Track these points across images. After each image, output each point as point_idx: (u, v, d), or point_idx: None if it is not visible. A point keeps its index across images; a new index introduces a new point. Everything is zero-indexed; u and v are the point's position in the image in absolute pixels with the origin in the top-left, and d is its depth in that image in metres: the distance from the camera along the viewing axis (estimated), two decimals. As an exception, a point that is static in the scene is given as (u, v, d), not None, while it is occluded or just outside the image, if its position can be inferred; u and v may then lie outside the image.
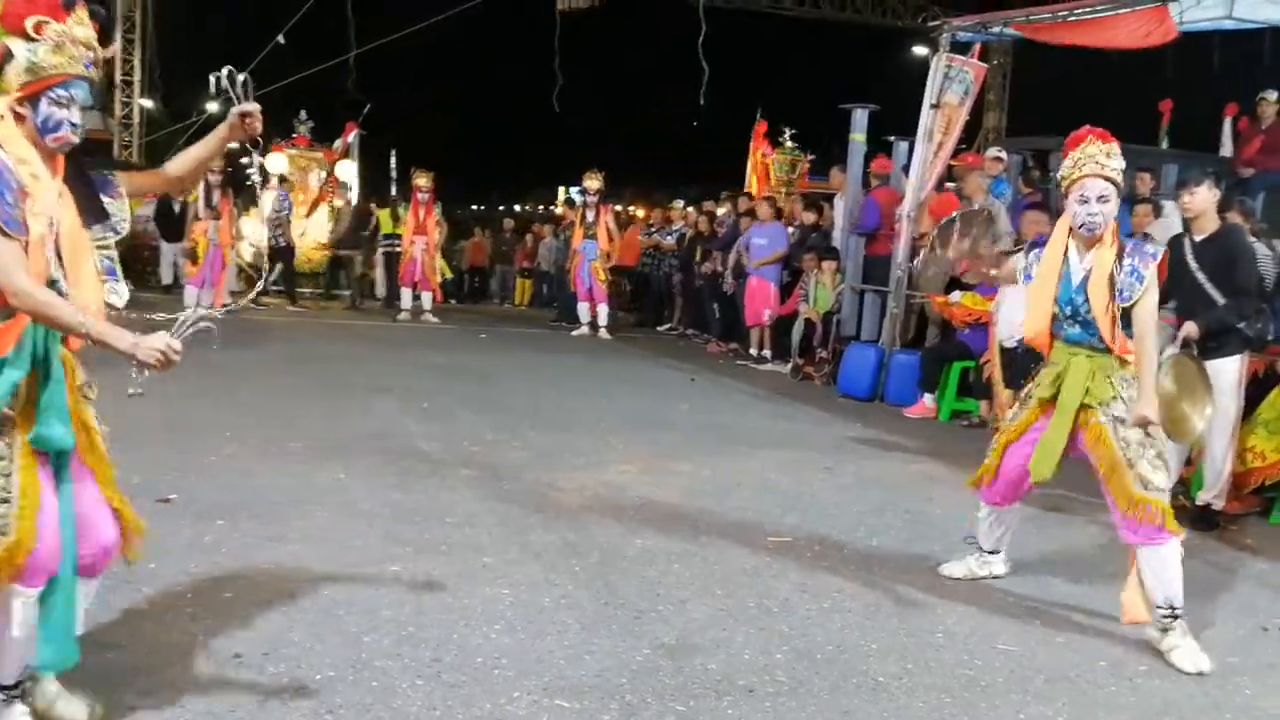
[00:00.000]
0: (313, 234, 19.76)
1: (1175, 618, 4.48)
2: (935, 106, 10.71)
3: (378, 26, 20.76)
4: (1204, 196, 6.29)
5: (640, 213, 23.51)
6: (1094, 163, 4.53)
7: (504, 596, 4.69)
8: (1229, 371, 6.47)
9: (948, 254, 5.47)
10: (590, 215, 15.23)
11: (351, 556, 5.07)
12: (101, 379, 3.37)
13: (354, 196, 20.43)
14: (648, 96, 40.79)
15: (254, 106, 3.40)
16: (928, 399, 10.18)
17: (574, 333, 15.52)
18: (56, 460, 3.14)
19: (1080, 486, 5.21)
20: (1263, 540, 6.44)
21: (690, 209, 17.53)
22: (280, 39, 19.21)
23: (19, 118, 3.07)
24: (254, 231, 18.80)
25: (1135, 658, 4.46)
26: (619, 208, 21.40)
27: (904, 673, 4.17)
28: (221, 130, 3.44)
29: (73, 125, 3.09)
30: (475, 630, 4.29)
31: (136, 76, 23.10)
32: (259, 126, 3.43)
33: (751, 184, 16.37)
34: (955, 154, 11.75)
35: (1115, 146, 4.59)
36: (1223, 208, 6.64)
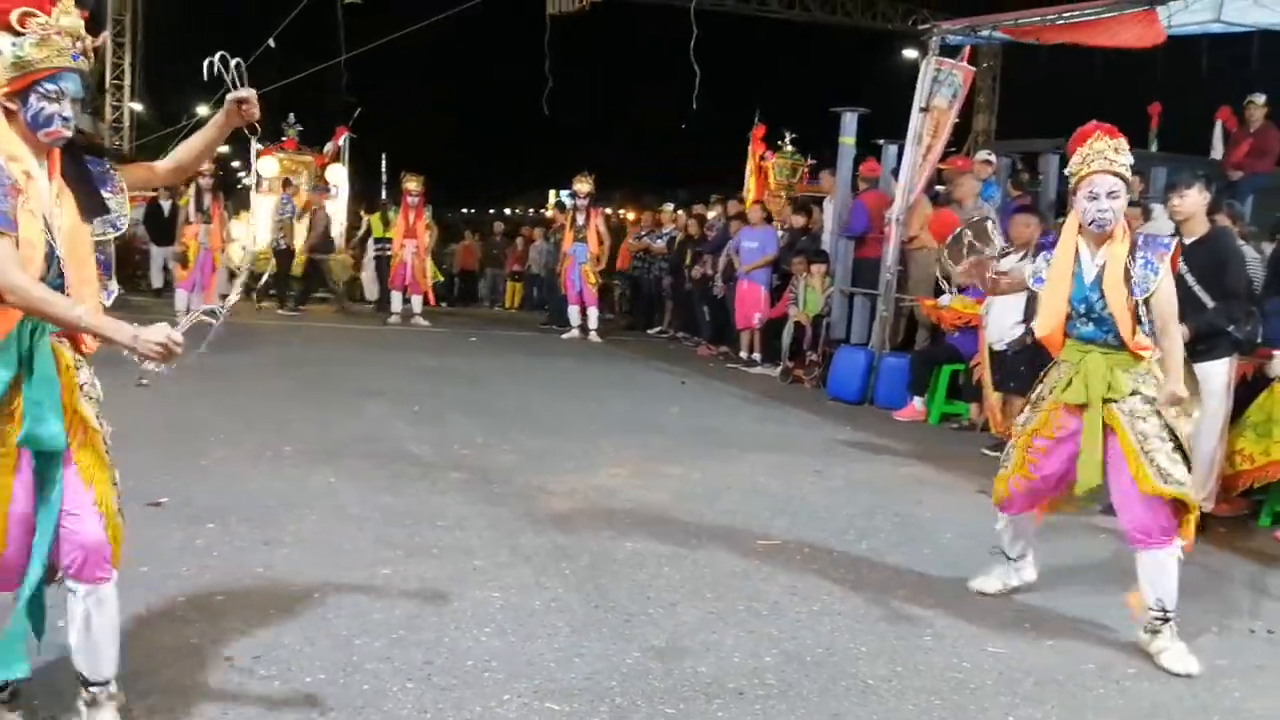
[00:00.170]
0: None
1: (1166, 620, 4.49)
2: (925, 110, 10.73)
3: (369, 30, 20.77)
4: (1194, 199, 6.31)
5: (630, 216, 23.49)
6: (1103, 158, 4.51)
7: (494, 599, 4.69)
8: (1218, 374, 6.49)
9: (957, 269, 5.45)
10: (580, 218, 15.25)
11: (342, 560, 5.08)
12: (99, 378, 3.34)
13: (343, 200, 20.43)
14: (638, 99, 40.80)
15: (249, 92, 3.32)
16: (917, 402, 10.20)
17: (564, 336, 15.53)
18: (47, 460, 3.08)
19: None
20: (1251, 543, 6.46)
21: (680, 212, 17.55)
22: (270, 43, 19.19)
23: (9, 114, 3.03)
24: (245, 234, 18.84)
25: (1124, 660, 4.47)
26: (609, 211, 21.39)
27: (893, 675, 4.18)
28: (219, 117, 3.37)
29: (64, 119, 3.04)
30: (466, 633, 4.30)
31: (127, 80, 23.08)
32: (256, 112, 3.35)
33: (750, 188, 16.39)
34: (944, 157, 11.79)
35: (1123, 142, 4.56)
36: (1211, 210, 6.66)
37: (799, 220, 13.83)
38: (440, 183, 23.72)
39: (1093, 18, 9.66)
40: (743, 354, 13.66)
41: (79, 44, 3.07)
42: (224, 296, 13.09)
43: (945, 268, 5.64)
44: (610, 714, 3.70)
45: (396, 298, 16.57)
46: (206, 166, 13.90)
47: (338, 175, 20.58)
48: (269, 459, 6.94)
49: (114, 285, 3.29)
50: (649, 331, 17.11)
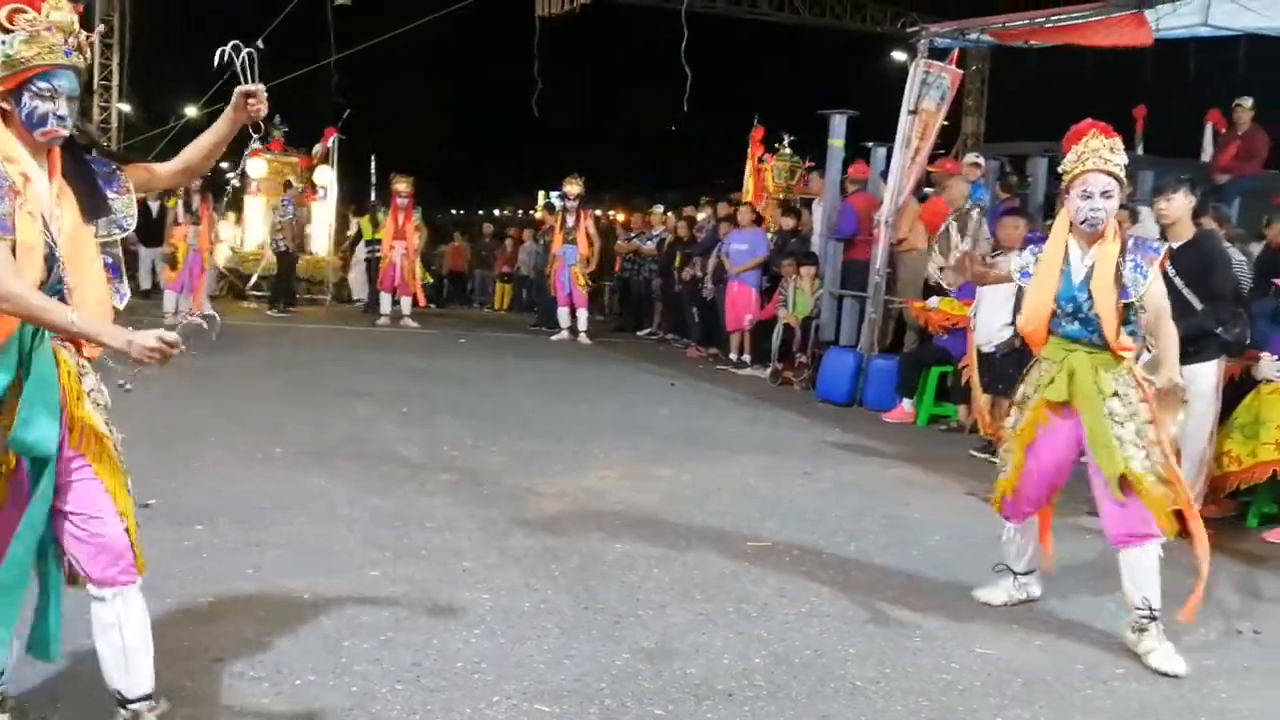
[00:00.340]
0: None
1: (1153, 619, 4.51)
2: (913, 112, 10.75)
3: (358, 31, 20.72)
4: (1180, 204, 6.33)
5: (620, 217, 23.47)
6: (1097, 157, 4.51)
7: (484, 601, 4.69)
8: (1206, 376, 6.52)
9: (946, 260, 5.47)
10: (570, 220, 15.24)
11: (332, 561, 5.07)
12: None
13: (331, 201, 20.38)
14: (628, 101, 40.75)
15: (258, 87, 3.24)
16: (906, 404, 10.21)
17: (553, 337, 15.52)
18: (37, 466, 3.01)
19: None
20: (1238, 544, 6.48)
21: (670, 214, 17.55)
22: (259, 44, 19.11)
23: (5, 114, 2.96)
24: (232, 235, 18.80)
25: (1112, 661, 4.49)
26: (599, 212, 21.39)
27: (882, 677, 4.19)
28: (227, 113, 3.30)
29: (59, 118, 2.97)
30: (455, 635, 4.30)
31: (114, 80, 23.01)
32: (263, 109, 3.27)
33: (749, 190, 16.40)
34: (932, 159, 11.82)
35: (1118, 141, 4.58)
36: (1197, 214, 6.69)
37: (788, 222, 13.85)
38: (430, 184, 23.69)
39: (1080, 21, 9.69)
40: (732, 356, 13.68)
41: (71, 39, 2.99)
42: (213, 298, 12.95)
43: (935, 258, 5.67)
44: (599, 715, 3.71)
45: (385, 299, 16.55)
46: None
47: (326, 177, 20.53)
48: (258, 460, 6.93)
49: (125, 288, 3.21)
50: (638, 333, 17.11)
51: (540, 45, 19.15)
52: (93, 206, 3.12)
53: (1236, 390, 6.94)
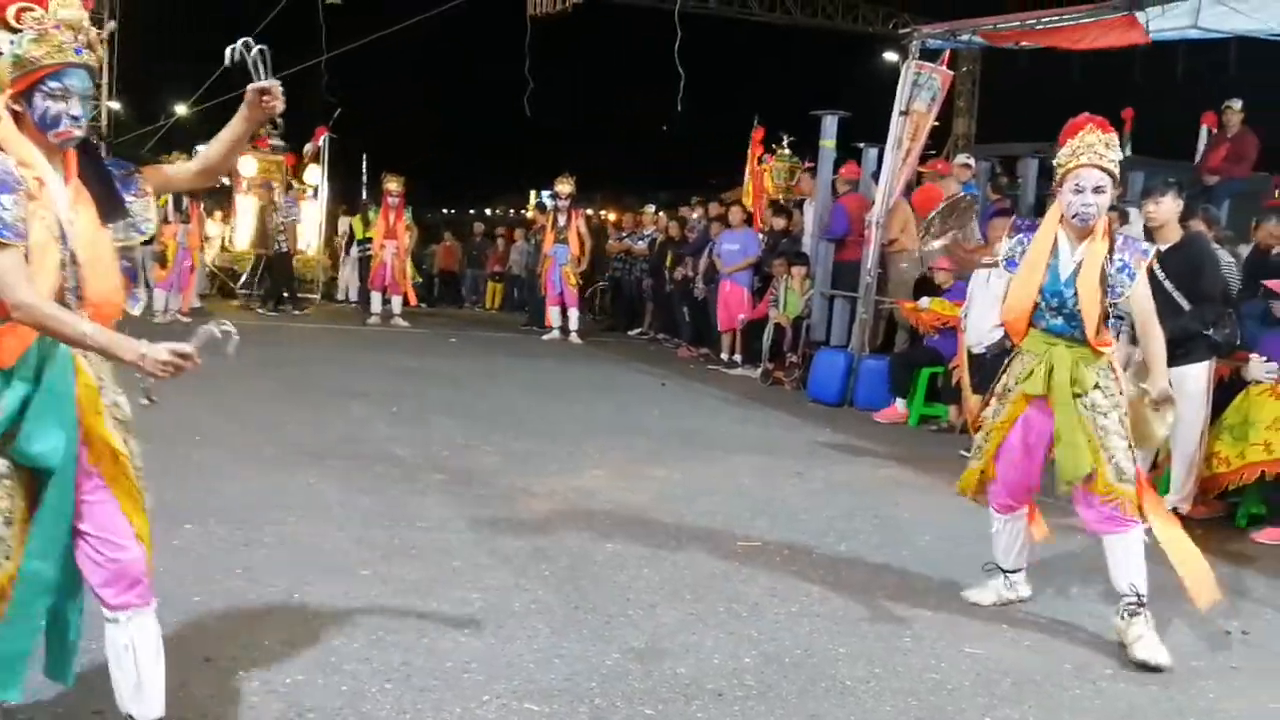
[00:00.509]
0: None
1: (1141, 605, 4.51)
2: (904, 113, 10.78)
3: (350, 30, 20.71)
4: (1169, 206, 6.35)
5: (612, 217, 23.48)
6: (1092, 152, 4.51)
7: (474, 600, 4.69)
8: (1195, 377, 6.54)
9: (936, 242, 5.48)
10: (562, 219, 15.25)
11: (322, 561, 5.07)
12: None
13: (322, 200, 20.36)
14: (620, 101, 40.79)
15: (273, 83, 3.11)
16: (899, 404, 10.22)
17: (544, 337, 15.52)
18: (53, 479, 2.91)
19: (1044, 490, 5.24)
20: (1227, 544, 6.50)
21: (661, 214, 17.55)
22: (250, 41, 19.05)
23: (17, 117, 2.88)
24: (220, 233, 18.76)
25: (1101, 660, 4.50)
26: (590, 212, 21.39)
27: (871, 676, 4.19)
28: (242, 112, 3.17)
29: (73, 118, 2.88)
30: (445, 634, 4.29)
31: (105, 78, 22.94)
32: (279, 105, 3.13)
33: (749, 191, 16.42)
34: (923, 160, 11.84)
35: (1114, 137, 4.58)
36: (1185, 216, 6.71)
37: (779, 222, 13.87)
38: (421, 183, 23.68)
39: (1071, 23, 9.72)
40: (723, 355, 13.68)
41: (81, 37, 2.91)
42: (203, 296, 12.90)
43: (927, 240, 5.67)
44: (589, 715, 3.71)
45: (376, 298, 16.55)
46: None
47: (315, 176, 20.51)
48: (249, 459, 6.92)
49: (141, 292, 3.16)
50: (629, 333, 17.12)
51: (532, 44, 19.12)
52: (110, 209, 3.03)
53: (1226, 392, 6.97)
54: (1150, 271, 6.35)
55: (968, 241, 10.48)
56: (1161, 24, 9.22)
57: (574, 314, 15.48)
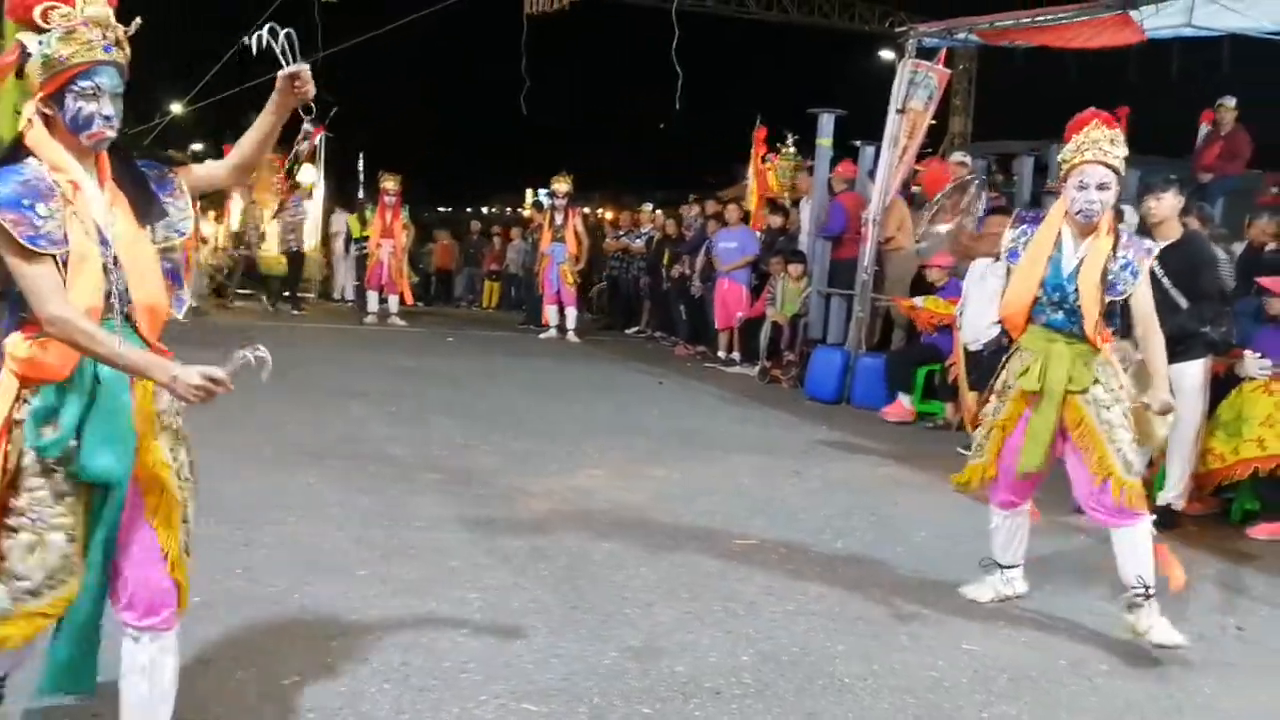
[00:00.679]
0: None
1: (1148, 596, 4.52)
2: (901, 112, 10.78)
3: (346, 28, 20.67)
4: (1169, 203, 6.36)
5: (609, 215, 23.47)
6: (1097, 148, 4.52)
7: (472, 600, 4.70)
8: (1193, 375, 6.56)
9: (941, 227, 5.46)
10: (559, 218, 15.24)
11: (321, 561, 5.08)
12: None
13: (318, 199, 20.35)
14: (617, 100, 40.81)
15: (303, 67, 3.02)
16: (905, 400, 10.17)
17: (542, 336, 15.51)
18: (104, 493, 2.87)
19: (1042, 487, 5.26)
20: (1223, 541, 6.52)
21: (659, 212, 17.55)
22: (246, 39, 19.02)
23: (48, 120, 2.80)
24: (215, 233, 18.76)
25: (1097, 657, 4.52)
26: (587, 210, 21.40)
27: (869, 674, 4.21)
28: (274, 100, 3.09)
29: (105, 118, 2.80)
30: (443, 634, 4.30)
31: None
32: (311, 89, 3.06)
33: (753, 190, 16.43)
34: (919, 158, 11.85)
35: (1119, 133, 4.58)
36: (1182, 214, 6.72)
37: (776, 220, 13.88)
38: (418, 182, 23.65)
39: (1067, 22, 9.73)
40: (721, 353, 13.69)
41: (109, 33, 2.82)
42: (200, 297, 12.82)
43: (931, 225, 5.66)
44: (588, 714, 3.72)
45: (373, 297, 16.55)
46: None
47: (310, 175, 20.49)
48: (249, 459, 6.91)
49: (186, 294, 3.08)
50: (627, 331, 17.12)
51: (528, 43, 19.11)
52: (146, 209, 2.96)
53: (1221, 388, 6.98)
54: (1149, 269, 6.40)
55: (968, 221, 10.45)
56: (1155, 22, 9.24)
57: (571, 313, 15.48)
